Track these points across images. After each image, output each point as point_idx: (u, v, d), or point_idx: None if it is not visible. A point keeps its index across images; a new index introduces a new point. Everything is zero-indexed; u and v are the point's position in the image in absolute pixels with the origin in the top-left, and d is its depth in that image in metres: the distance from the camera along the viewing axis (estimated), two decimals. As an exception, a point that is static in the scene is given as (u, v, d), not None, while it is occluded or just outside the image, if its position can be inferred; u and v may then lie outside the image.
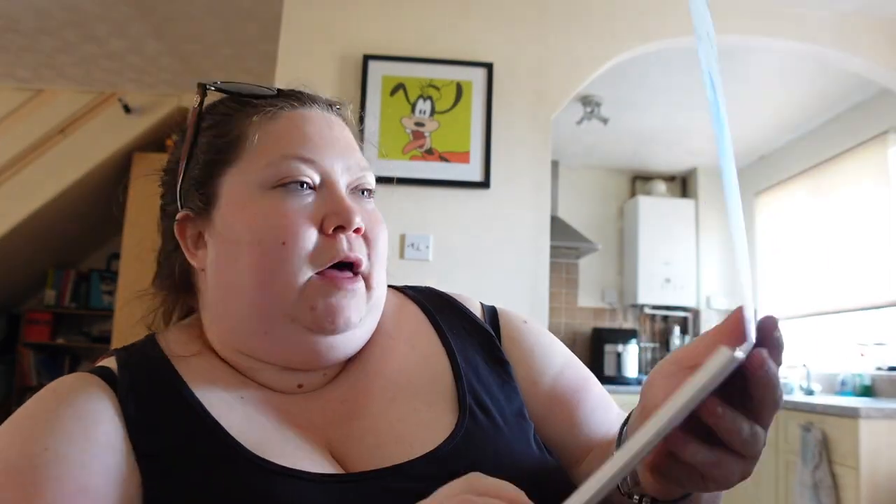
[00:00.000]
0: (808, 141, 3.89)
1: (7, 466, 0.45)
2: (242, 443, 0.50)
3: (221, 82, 0.60)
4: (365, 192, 0.59)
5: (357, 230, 0.55)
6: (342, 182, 0.57)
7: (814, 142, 3.84)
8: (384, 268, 0.59)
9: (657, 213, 4.40)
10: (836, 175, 3.61)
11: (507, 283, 2.28)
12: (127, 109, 3.66)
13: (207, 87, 0.59)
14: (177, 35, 3.06)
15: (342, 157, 0.57)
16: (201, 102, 0.59)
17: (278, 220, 0.53)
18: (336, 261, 0.54)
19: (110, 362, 0.55)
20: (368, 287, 0.56)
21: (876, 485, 2.46)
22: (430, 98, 2.33)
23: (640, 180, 4.74)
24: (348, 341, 0.56)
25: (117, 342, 3.00)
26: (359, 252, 0.55)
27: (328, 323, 0.53)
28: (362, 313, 0.56)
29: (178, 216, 0.59)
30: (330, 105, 0.62)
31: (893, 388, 3.07)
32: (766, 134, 3.98)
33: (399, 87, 2.33)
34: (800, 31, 2.57)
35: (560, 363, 0.65)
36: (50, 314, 4.26)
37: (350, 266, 0.55)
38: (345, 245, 0.54)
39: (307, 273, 0.53)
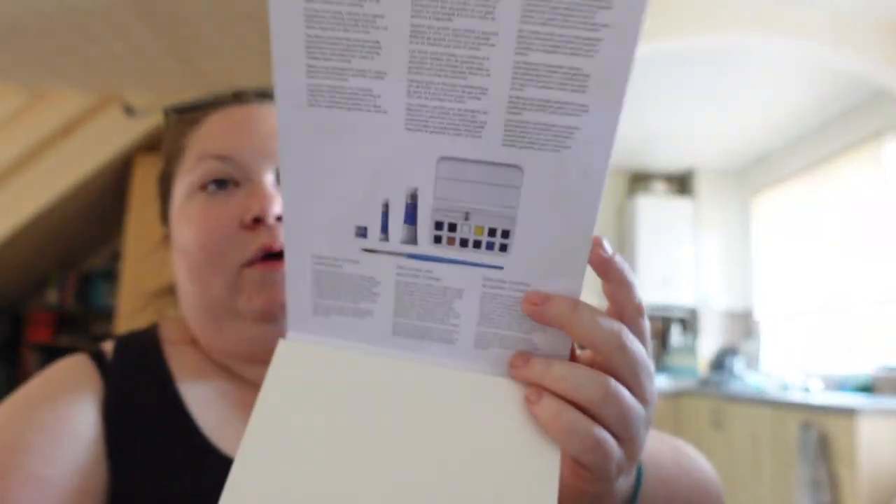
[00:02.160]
0: (806, 140, 3.90)
1: None
2: (214, 441, 0.51)
3: (179, 103, 0.61)
4: None
5: (281, 218, 0.53)
6: (265, 171, 0.54)
7: (811, 141, 3.85)
8: None
9: (656, 212, 4.41)
10: (834, 174, 3.62)
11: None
12: (128, 111, 3.67)
13: (165, 112, 0.62)
14: (178, 36, 3.08)
15: (263, 145, 0.55)
16: (166, 127, 0.62)
17: (196, 223, 0.53)
18: (258, 252, 0.52)
19: (109, 346, 0.57)
20: None
21: (875, 483, 2.47)
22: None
23: (638, 180, 4.75)
24: None
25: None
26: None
27: (268, 309, 0.52)
28: None
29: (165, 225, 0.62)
30: (265, 95, 0.60)
31: (892, 386, 3.08)
32: (764, 133, 3.99)
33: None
34: (799, 30, 2.58)
35: None
36: (52, 315, 4.28)
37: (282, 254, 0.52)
38: (266, 235, 0.52)
39: (235, 269, 0.52)
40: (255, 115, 0.57)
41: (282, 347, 0.36)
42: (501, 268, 0.33)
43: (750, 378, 3.75)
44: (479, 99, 0.28)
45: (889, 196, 3.20)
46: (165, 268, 0.66)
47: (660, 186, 4.58)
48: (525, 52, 0.27)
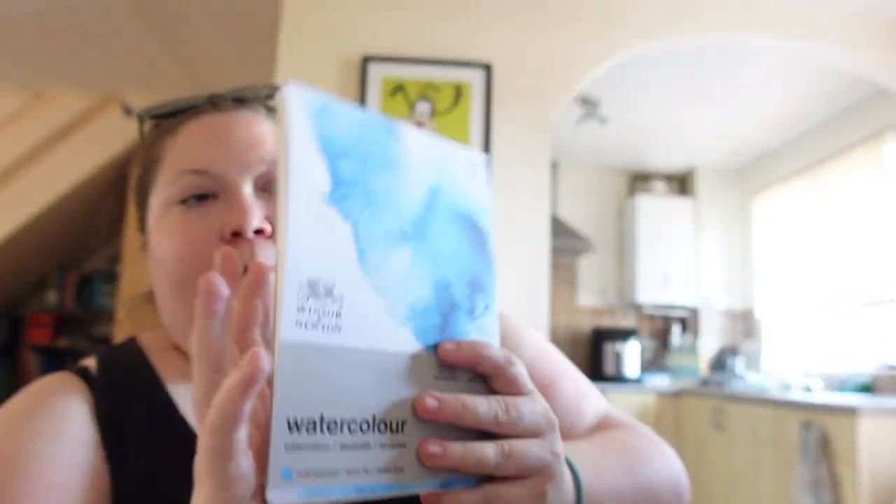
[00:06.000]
0: (807, 139, 3.90)
1: None
2: None
3: (153, 107, 0.60)
4: None
5: (260, 231, 0.52)
6: (243, 183, 0.54)
7: (812, 140, 3.85)
8: None
9: (656, 212, 4.42)
10: (835, 173, 3.62)
11: (507, 283, 2.29)
12: (128, 112, 3.67)
13: (140, 116, 0.61)
14: (177, 37, 3.07)
15: (241, 156, 0.54)
16: (140, 131, 0.61)
17: (176, 236, 0.53)
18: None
19: (91, 362, 0.56)
20: None
21: (876, 482, 2.47)
22: (429, 99, 2.35)
23: (638, 180, 4.75)
24: None
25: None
26: (264, 255, 0.51)
27: None
28: None
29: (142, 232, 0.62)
30: (242, 101, 0.59)
31: (893, 385, 3.08)
32: (765, 133, 3.99)
33: (399, 89, 2.35)
34: (799, 30, 2.58)
35: (527, 357, 0.61)
36: (52, 316, 4.27)
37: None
38: (245, 249, 0.51)
39: None
40: (232, 125, 0.57)
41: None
42: None
43: (750, 378, 3.75)
44: None
45: (889, 195, 3.20)
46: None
47: (660, 186, 4.58)
48: None
